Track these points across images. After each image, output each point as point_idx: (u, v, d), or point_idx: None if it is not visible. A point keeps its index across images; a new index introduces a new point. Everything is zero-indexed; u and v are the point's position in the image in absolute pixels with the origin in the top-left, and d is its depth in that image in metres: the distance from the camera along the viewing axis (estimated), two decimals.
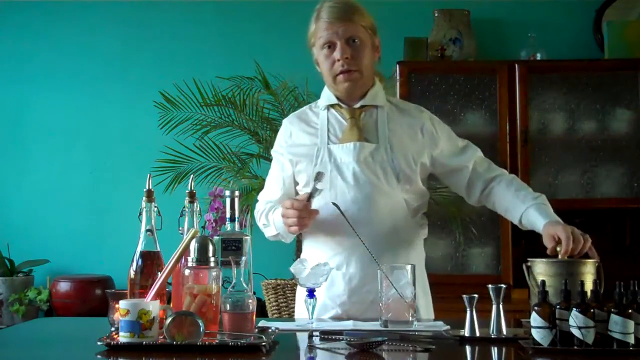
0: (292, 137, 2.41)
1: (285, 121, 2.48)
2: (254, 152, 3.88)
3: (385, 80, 2.53)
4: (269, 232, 2.41)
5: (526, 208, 2.25)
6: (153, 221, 1.86)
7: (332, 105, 2.40)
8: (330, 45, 2.31)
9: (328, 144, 2.34)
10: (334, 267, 2.25)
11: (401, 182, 2.30)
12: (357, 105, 2.37)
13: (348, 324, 2.07)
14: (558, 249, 2.04)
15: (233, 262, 1.81)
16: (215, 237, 1.92)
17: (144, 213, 1.86)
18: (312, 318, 2.08)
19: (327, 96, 2.41)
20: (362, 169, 2.28)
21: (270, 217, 2.37)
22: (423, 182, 2.38)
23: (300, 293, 2.41)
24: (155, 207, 1.87)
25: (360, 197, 2.26)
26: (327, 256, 2.27)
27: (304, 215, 2.19)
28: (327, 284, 2.21)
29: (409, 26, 4.22)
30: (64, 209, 4.37)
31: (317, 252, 2.31)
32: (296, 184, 2.41)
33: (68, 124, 4.41)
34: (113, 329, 1.83)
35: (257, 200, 2.50)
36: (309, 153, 2.35)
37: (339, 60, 2.30)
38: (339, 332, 1.84)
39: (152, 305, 1.69)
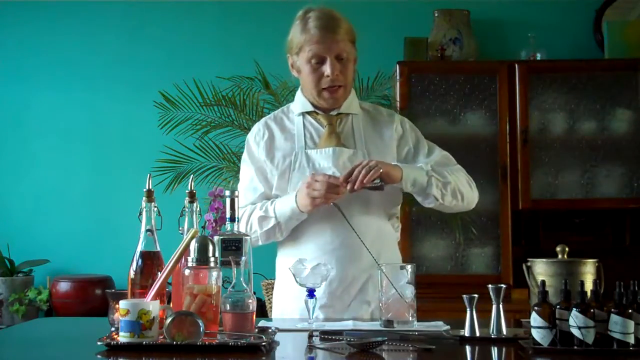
0: (272, 140, 2.41)
1: (260, 124, 2.46)
2: None
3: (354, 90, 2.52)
4: (264, 226, 2.34)
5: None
6: (153, 221, 1.86)
7: (307, 112, 2.42)
8: (318, 60, 2.32)
9: (305, 149, 2.36)
10: None
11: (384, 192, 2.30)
12: (334, 113, 2.40)
13: (348, 324, 2.07)
14: None
15: (233, 262, 1.81)
16: (215, 237, 1.92)
17: (144, 213, 1.86)
18: (312, 318, 2.08)
19: (302, 103, 2.43)
20: (341, 174, 2.27)
21: (270, 207, 2.32)
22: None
23: (280, 291, 2.43)
24: (155, 207, 1.87)
25: (339, 202, 2.26)
26: (307, 260, 2.24)
27: (335, 192, 2.19)
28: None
29: (409, 26, 4.22)
30: (64, 209, 4.37)
31: (295, 257, 2.26)
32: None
33: (68, 124, 4.41)
34: (113, 329, 1.83)
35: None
36: (287, 158, 2.36)
37: (327, 76, 2.31)
38: (339, 332, 1.84)
39: (152, 305, 1.69)
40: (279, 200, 2.32)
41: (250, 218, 2.36)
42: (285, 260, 2.34)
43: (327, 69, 2.31)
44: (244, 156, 2.47)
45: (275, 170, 2.37)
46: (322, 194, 2.19)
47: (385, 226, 2.38)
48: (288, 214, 2.29)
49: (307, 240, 2.34)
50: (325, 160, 2.33)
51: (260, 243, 2.39)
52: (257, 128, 2.46)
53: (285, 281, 2.35)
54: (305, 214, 2.28)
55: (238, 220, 2.00)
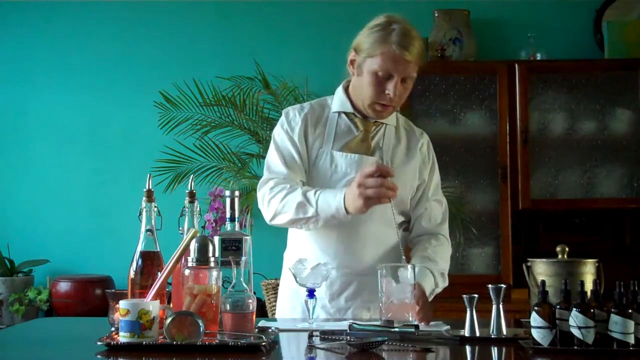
0: (306, 129, 2.33)
1: (296, 110, 2.37)
2: (254, 152, 3.88)
3: None
4: (299, 214, 2.20)
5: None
6: (153, 221, 1.86)
7: (345, 112, 2.35)
8: (386, 75, 2.22)
9: (332, 149, 2.31)
10: None
11: (394, 201, 2.21)
12: (372, 120, 2.33)
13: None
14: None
15: (233, 262, 1.81)
16: (215, 237, 1.92)
17: (144, 213, 1.86)
18: (312, 318, 2.09)
19: (343, 102, 2.34)
20: None
21: (313, 197, 2.18)
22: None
23: (284, 293, 2.42)
24: (155, 207, 1.87)
25: None
26: (307, 260, 2.19)
27: (390, 186, 2.06)
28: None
29: None
30: (64, 209, 4.37)
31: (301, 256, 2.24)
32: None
33: (68, 124, 4.40)
34: (113, 329, 1.83)
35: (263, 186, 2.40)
36: (313, 152, 2.31)
37: (388, 94, 2.22)
38: (339, 332, 1.84)
39: (152, 305, 1.69)
40: (323, 194, 2.18)
41: (287, 197, 2.21)
42: (291, 260, 2.34)
43: (390, 87, 2.22)
44: (283, 127, 2.35)
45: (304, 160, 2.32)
46: (376, 192, 2.05)
47: (394, 237, 2.27)
48: (331, 213, 2.16)
49: (311, 243, 2.32)
50: (349, 165, 2.27)
51: (279, 223, 2.28)
52: (294, 113, 2.36)
53: (289, 280, 2.34)
54: (349, 217, 2.16)
55: (236, 220, 1.99)
